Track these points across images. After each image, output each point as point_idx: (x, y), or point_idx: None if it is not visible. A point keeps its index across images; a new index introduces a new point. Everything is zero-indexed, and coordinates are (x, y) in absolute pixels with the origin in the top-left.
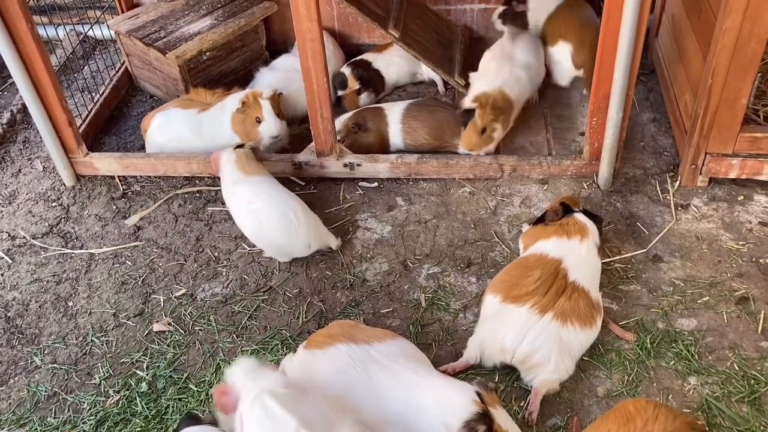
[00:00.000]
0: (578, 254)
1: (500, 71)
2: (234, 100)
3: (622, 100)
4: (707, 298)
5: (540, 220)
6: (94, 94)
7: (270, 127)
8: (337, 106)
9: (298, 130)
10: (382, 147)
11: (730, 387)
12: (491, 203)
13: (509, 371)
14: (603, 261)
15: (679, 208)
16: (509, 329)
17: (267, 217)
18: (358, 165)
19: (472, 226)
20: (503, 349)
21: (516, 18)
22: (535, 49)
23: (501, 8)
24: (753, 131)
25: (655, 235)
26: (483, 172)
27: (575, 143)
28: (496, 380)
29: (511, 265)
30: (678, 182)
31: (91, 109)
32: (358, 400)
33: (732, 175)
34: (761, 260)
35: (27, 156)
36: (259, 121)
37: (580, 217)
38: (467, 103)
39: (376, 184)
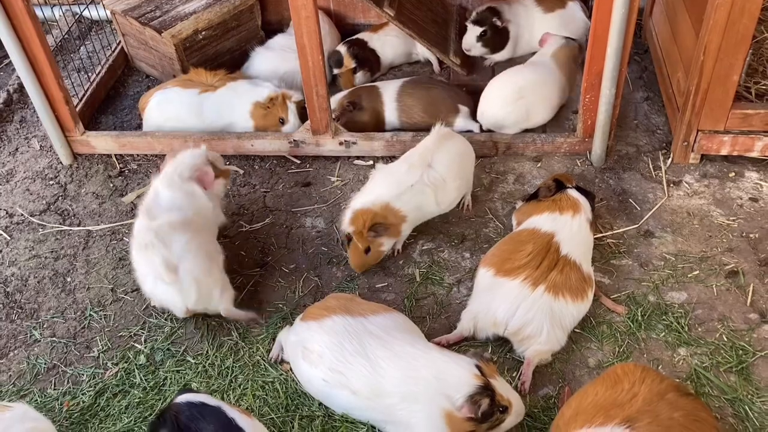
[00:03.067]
0: (570, 229)
1: (399, 181)
2: (254, 88)
3: (614, 77)
4: (697, 272)
5: (533, 197)
6: (90, 74)
7: (293, 130)
8: (333, 86)
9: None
10: (378, 125)
11: (718, 357)
12: (485, 180)
13: (502, 343)
14: (595, 236)
15: (671, 185)
16: (502, 302)
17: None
18: (354, 143)
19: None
20: (496, 321)
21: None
22: (465, 160)
23: (477, 30)
24: (744, 108)
25: (647, 211)
26: (477, 150)
27: (569, 121)
28: (489, 351)
29: (504, 240)
30: (670, 159)
31: (88, 89)
32: (352, 371)
33: (723, 152)
34: (751, 235)
35: (24, 135)
36: (282, 122)
37: (572, 193)
38: (346, 220)
39: (371, 162)
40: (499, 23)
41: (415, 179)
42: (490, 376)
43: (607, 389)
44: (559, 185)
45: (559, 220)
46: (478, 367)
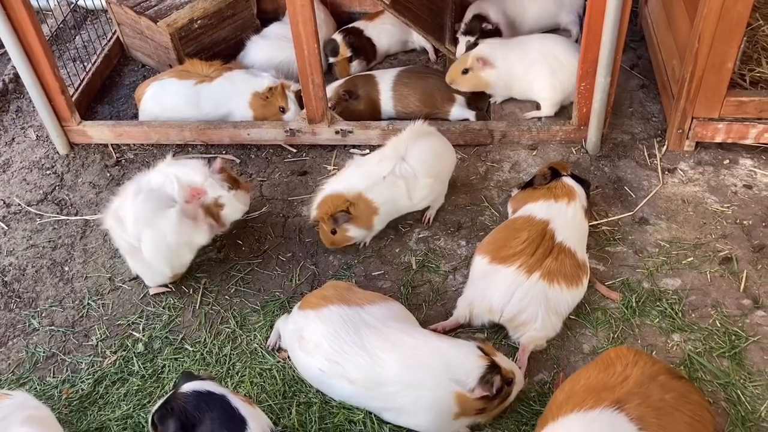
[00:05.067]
0: (565, 216)
1: (372, 172)
2: (253, 79)
3: (609, 64)
4: (692, 258)
5: (528, 184)
6: (86, 64)
7: (293, 119)
8: (329, 74)
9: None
10: (374, 114)
11: (711, 343)
12: (481, 169)
13: (497, 329)
14: (590, 224)
15: (666, 172)
16: (497, 289)
17: None
18: (350, 132)
19: (462, 191)
20: (491, 308)
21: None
22: (441, 160)
23: (468, 39)
24: (739, 95)
25: (642, 198)
26: (473, 138)
27: (564, 109)
28: (485, 336)
29: (500, 228)
30: (665, 147)
31: (84, 79)
32: (349, 361)
33: (718, 140)
34: (745, 222)
35: (20, 125)
36: (283, 111)
37: (568, 181)
38: (314, 203)
39: (367, 151)
40: (489, 26)
41: (387, 171)
42: (492, 354)
43: (600, 372)
44: (555, 173)
45: (553, 208)
46: (480, 348)
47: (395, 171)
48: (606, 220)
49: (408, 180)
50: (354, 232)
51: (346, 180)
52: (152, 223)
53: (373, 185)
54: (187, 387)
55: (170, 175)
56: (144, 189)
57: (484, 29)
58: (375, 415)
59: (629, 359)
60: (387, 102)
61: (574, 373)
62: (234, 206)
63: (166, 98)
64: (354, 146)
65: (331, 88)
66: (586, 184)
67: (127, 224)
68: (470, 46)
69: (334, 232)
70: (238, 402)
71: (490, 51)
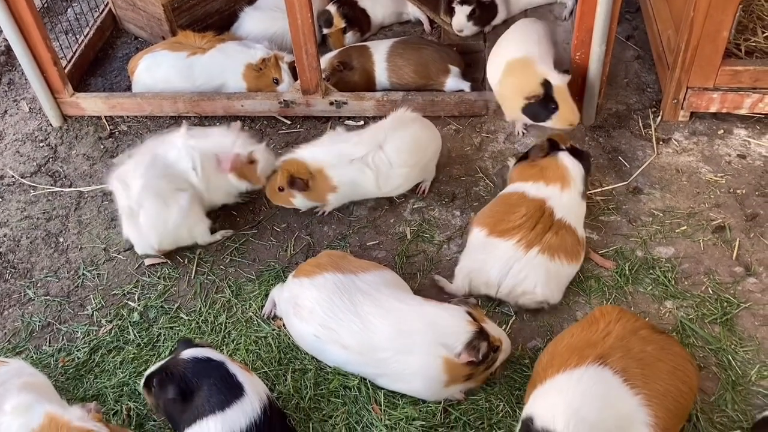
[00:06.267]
0: (560, 201)
1: (343, 152)
2: (246, 50)
3: (605, 34)
4: (685, 227)
5: (524, 157)
6: (78, 36)
7: (287, 89)
8: (323, 46)
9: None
10: (368, 85)
11: (703, 309)
12: (476, 140)
13: (491, 297)
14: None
15: (661, 142)
16: (495, 263)
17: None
18: (344, 103)
19: (457, 162)
20: (489, 281)
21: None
22: (422, 149)
23: (466, 9)
24: (734, 65)
25: (637, 168)
26: (468, 109)
27: None
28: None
29: (496, 201)
30: (660, 117)
31: (76, 51)
32: (343, 327)
33: (713, 109)
34: (738, 191)
35: (12, 97)
36: (276, 82)
37: (564, 160)
38: (281, 159)
39: (362, 122)
40: None
41: (357, 155)
42: (481, 320)
43: (583, 330)
44: (553, 145)
45: (545, 191)
46: (469, 314)
47: (367, 159)
48: (600, 189)
49: (379, 170)
50: (298, 201)
51: (317, 151)
52: (160, 199)
53: (339, 164)
54: (187, 353)
55: (190, 150)
56: (159, 164)
57: (480, 0)
58: (369, 381)
59: (612, 316)
60: (381, 73)
61: (559, 334)
62: (267, 158)
63: (159, 70)
64: (348, 117)
65: (326, 59)
66: (585, 159)
67: (132, 190)
68: (469, 16)
69: (281, 189)
70: (235, 369)
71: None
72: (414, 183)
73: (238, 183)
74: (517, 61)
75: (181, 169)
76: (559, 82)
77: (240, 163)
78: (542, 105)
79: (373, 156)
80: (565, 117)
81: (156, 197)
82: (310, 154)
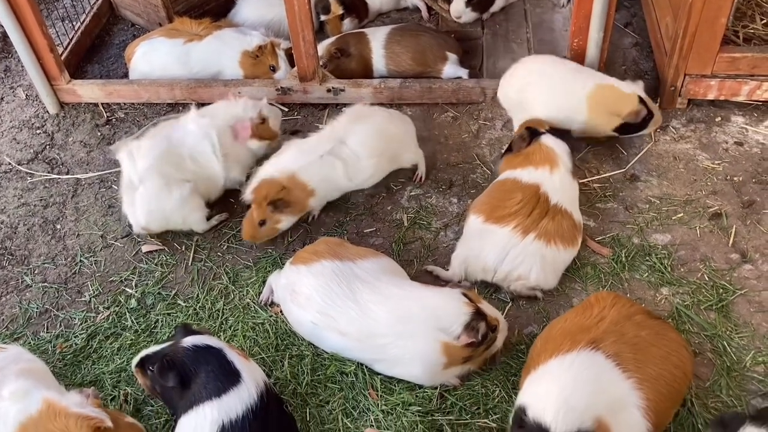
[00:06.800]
0: (553, 184)
1: (308, 152)
2: (243, 37)
3: (602, 20)
4: (682, 214)
5: (509, 150)
6: (74, 23)
7: (284, 77)
8: (320, 32)
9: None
10: (366, 72)
11: (699, 296)
12: (473, 127)
13: (488, 284)
14: (582, 180)
15: (658, 130)
16: (492, 249)
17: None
18: (342, 90)
19: (455, 149)
20: (485, 268)
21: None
22: (388, 138)
23: None
24: (732, 52)
25: (634, 155)
26: (466, 97)
27: None
28: (470, 285)
29: (493, 188)
30: (657, 104)
31: (72, 37)
32: (341, 314)
33: (710, 97)
34: (735, 178)
35: (9, 84)
36: (273, 69)
37: (547, 141)
38: (249, 190)
39: None
40: None
41: (323, 151)
42: (477, 301)
43: (577, 316)
44: (533, 133)
45: (536, 175)
46: (465, 296)
47: (333, 152)
48: (597, 177)
49: (347, 162)
50: (285, 223)
51: (282, 161)
52: (163, 181)
53: (308, 164)
54: (187, 341)
55: (207, 131)
56: (173, 152)
57: None
58: (366, 367)
59: (608, 302)
60: (379, 60)
61: (553, 320)
62: (275, 113)
63: (155, 57)
64: (345, 105)
65: (323, 46)
66: (567, 138)
67: (138, 165)
68: (467, 2)
69: (262, 224)
70: (233, 355)
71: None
72: (386, 173)
73: (257, 147)
74: (600, 88)
75: (200, 151)
76: (644, 93)
77: (255, 126)
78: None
79: (338, 149)
80: (658, 119)
81: (160, 178)
82: (275, 167)
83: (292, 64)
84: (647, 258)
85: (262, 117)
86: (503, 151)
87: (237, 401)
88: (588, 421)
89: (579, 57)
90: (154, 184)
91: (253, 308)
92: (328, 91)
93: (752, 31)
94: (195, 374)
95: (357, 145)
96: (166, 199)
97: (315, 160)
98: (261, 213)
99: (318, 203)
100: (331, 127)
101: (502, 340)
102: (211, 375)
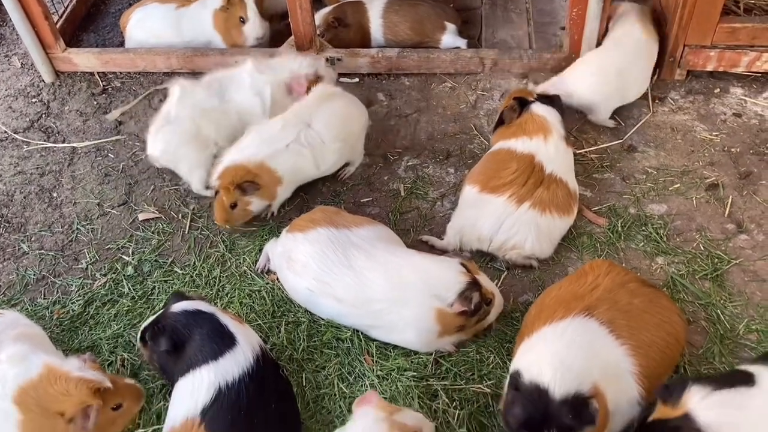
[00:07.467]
0: (548, 153)
1: (275, 139)
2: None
3: None
4: (678, 185)
5: (500, 122)
6: None
7: (255, 29)
8: (317, 1)
9: (278, 26)
10: (363, 42)
11: (695, 265)
12: (471, 97)
13: (484, 253)
14: (579, 151)
15: (656, 101)
16: (487, 219)
17: None
18: (339, 60)
19: (452, 119)
20: (480, 237)
21: None
22: (349, 122)
23: None
24: (732, 22)
25: (632, 126)
26: (464, 67)
27: (556, 37)
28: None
29: (488, 158)
30: (656, 76)
31: (68, 6)
32: (337, 280)
33: (709, 68)
34: (733, 149)
35: (4, 53)
36: (243, 21)
37: (538, 110)
38: (215, 176)
39: (357, 79)
40: None
41: (290, 139)
42: (474, 272)
43: (571, 284)
44: (523, 103)
45: (531, 144)
46: (463, 265)
47: (300, 139)
48: (595, 147)
49: (314, 148)
50: (256, 205)
51: (247, 148)
52: (195, 128)
53: (276, 153)
54: (178, 306)
55: (261, 88)
56: (219, 109)
57: None
58: (362, 333)
59: (602, 270)
60: (377, 30)
61: (547, 288)
62: (331, 74)
63: (150, 24)
64: (343, 74)
65: (320, 15)
66: (556, 103)
67: (180, 107)
68: None
69: (233, 206)
70: (227, 319)
71: None
72: (345, 160)
73: None
74: None
75: (248, 110)
76: None
77: (311, 84)
78: None
79: (304, 135)
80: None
81: (191, 128)
82: (242, 154)
83: (289, 33)
84: (643, 228)
85: (318, 75)
86: (494, 125)
87: (233, 364)
88: (586, 385)
89: (578, 27)
90: (183, 130)
91: (249, 276)
92: (326, 60)
93: (753, 1)
94: (188, 338)
95: (322, 128)
96: (185, 149)
97: (282, 149)
98: (230, 197)
99: (284, 193)
100: (297, 110)
101: (496, 315)
102: (206, 338)
